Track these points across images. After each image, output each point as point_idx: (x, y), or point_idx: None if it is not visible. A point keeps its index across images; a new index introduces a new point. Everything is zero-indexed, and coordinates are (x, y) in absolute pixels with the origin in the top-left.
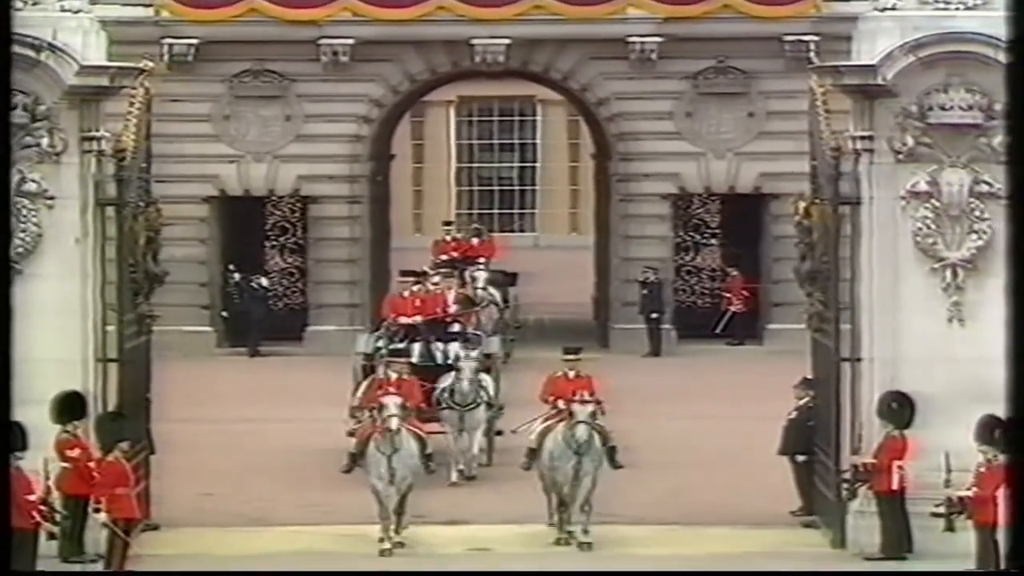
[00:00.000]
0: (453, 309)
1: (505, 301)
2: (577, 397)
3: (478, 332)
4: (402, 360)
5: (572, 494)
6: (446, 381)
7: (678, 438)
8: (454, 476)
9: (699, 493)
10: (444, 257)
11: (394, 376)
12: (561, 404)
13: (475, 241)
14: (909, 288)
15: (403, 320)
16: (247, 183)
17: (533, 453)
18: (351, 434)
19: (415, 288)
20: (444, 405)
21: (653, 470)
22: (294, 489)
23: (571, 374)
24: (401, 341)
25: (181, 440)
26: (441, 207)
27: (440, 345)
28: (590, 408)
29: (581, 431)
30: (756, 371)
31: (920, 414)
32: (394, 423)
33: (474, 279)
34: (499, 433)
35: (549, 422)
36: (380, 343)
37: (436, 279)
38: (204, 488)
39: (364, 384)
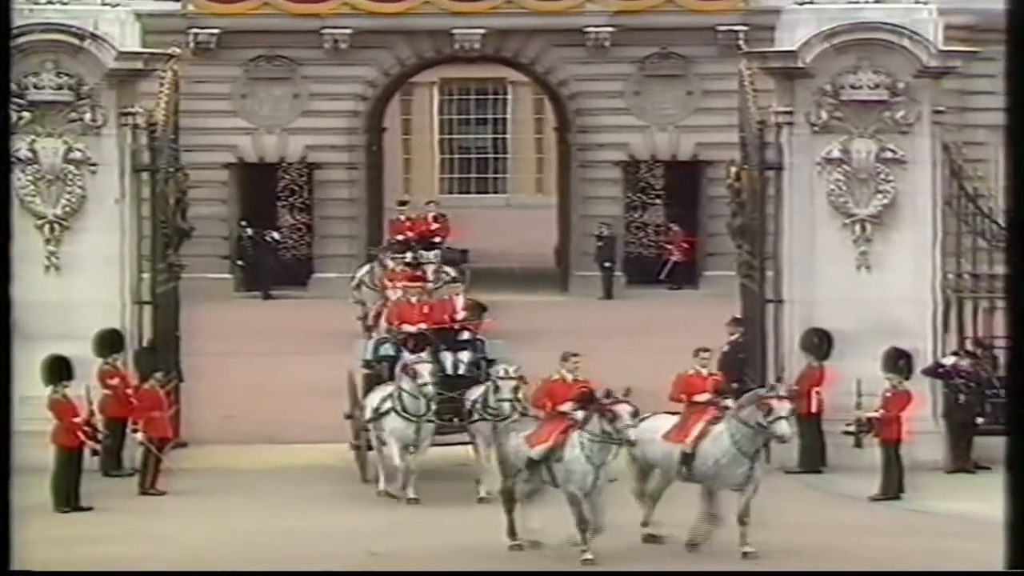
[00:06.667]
0: (461, 316)
1: (461, 276)
2: (774, 393)
3: (480, 337)
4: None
5: (713, 501)
6: (477, 391)
7: (629, 368)
8: (482, 491)
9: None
10: (400, 237)
11: (570, 377)
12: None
13: (431, 218)
14: (824, 240)
15: (408, 328)
16: (261, 152)
17: (688, 458)
18: (357, 447)
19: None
20: (477, 416)
21: None
22: (302, 412)
23: (704, 371)
24: (411, 350)
25: (206, 370)
26: (426, 172)
27: (448, 355)
28: (790, 405)
29: (784, 428)
30: (693, 311)
31: (834, 348)
32: (633, 434)
33: (426, 264)
34: None
35: (699, 422)
36: (384, 350)
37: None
38: (226, 411)
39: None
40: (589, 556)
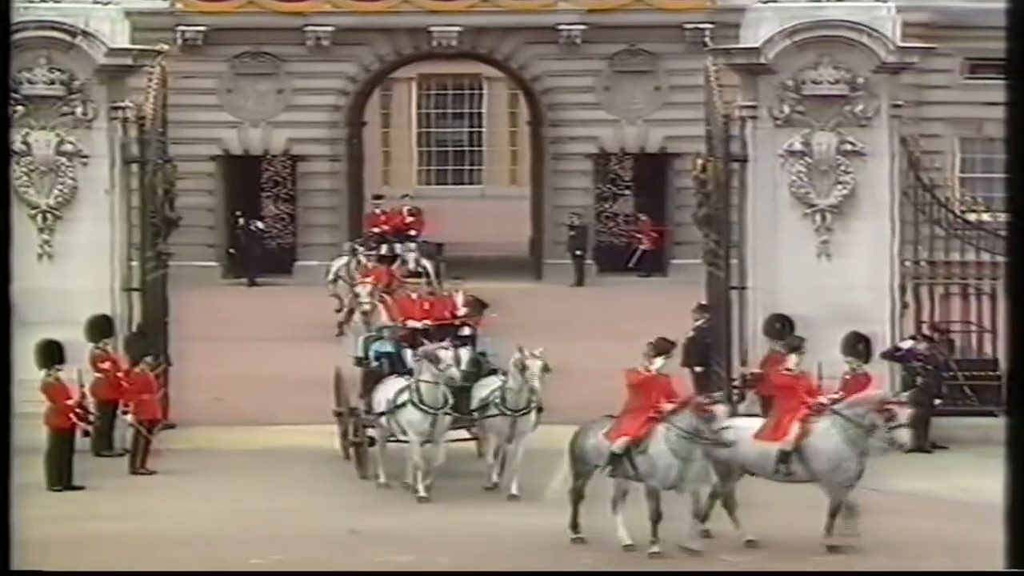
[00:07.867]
0: (462, 312)
1: (437, 271)
2: (897, 399)
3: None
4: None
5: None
6: (492, 385)
7: (600, 351)
8: (495, 479)
9: (619, 396)
10: (376, 230)
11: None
12: (822, 400)
13: (406, 212)
14: (786, 230)
15: (412, 324)
16: (246, 144)
17: (787, 456)
18: (357, 444)
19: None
20: (495, 411)
21: (579, 377)
22: (288, 395)
23: (796, 372)
24: (409, 346)
25: (194, 355)
26: (404, 164)
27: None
28: (911, 411)
29: (904, 436)
30: (661, 297)
31: (796, 332)
32: (731, 436)
33: (405, 260)
34: None
35: (794, 420)
36: (380, 346)
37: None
38: (213, 394)
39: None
40: (657, 549)
